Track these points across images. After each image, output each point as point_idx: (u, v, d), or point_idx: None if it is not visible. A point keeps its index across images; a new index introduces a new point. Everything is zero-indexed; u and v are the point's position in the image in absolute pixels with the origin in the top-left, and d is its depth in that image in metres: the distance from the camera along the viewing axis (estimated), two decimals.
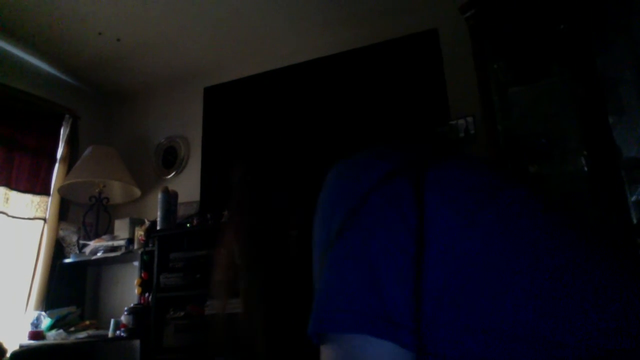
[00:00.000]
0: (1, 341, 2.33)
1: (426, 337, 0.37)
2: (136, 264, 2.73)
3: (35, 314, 2.60)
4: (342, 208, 0.43)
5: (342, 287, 0.39)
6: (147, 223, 2.72)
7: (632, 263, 0.40)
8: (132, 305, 2.56)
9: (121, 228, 2.90)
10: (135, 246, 2.72)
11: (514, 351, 0.35)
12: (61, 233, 2.88)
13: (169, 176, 3.15)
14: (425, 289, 0.37)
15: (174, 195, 2.67)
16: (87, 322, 2.66)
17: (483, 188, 0.43)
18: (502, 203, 0.41)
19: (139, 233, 2.71)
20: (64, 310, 2.67)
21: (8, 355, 2.30)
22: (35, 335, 2.50)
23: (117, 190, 3.09)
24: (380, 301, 0.37)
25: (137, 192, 3.02)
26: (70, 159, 2.99)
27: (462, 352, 0.36)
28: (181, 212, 2.76)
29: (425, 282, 0.37)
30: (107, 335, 2.51)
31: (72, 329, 2.56)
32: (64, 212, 2.94)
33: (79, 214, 3.01)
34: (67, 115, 3.03)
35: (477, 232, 0.39)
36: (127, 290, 2.94)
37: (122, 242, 2.75)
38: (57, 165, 2.95)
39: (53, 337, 2.50)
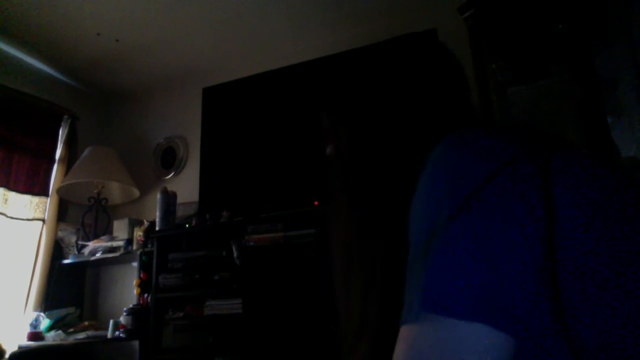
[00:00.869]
0: (0, 342, 2.33)
1: (576, 332, 0.36)
2: (135, 264, 2.73)
3: (34, 314, 2.59)
4: (458, 188, 0.40)
5: (462, 272, 0.37)
6: (146, 223, 2.72)
7: None
8: (131, 305, 2.56)
9: (120, 229, 2.90)
10: (134, 247, 2.72)
11: None
12: (60, 234, 2.87)
13: (168, 177, 3.15)
14: (559, 287, 0.36)
15: (173, 195, 2.67)
16: (86, 323, 2.66)
17: (605, 185, 0.41)
18: (623, 203, 0.40)
19: (138, 234, 2.71)
20: (62, 311, 2.67)
21: (7, 356, 2.30)
22: (34, 336, 2.50)
23: (116, 191, 3.09)
24: (501, 291, 0.36)
25: (136, 192, 3.02)
26: (69, 160, 2.99)
27: (609, 347, 0.35)
28: (180, 212, 2.75)
29: (557, 279, 0.36)
30: (106, 336, 2.51)
31: (71, 329, 2.56)
32: (63, 212, 2.94)
33: (78, 214, 3.00)
34: (65, 116, 3.02)
35: (600, 231, 0.38)
36: (126, 290, 2.93)
37: (121, 243, 2.75)
38: (55, 165, 2.94)
39: (52, 338, 2.50)
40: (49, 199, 2.86)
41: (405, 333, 0.38)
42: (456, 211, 0.39)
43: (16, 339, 2.51)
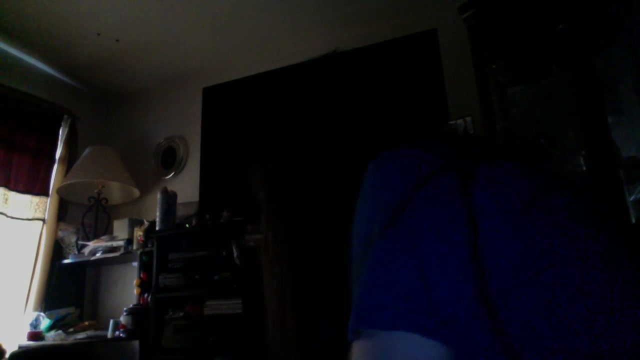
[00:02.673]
0: (0, 342, 2.33)
1: (514, 339, 0.36)
2: (135, 264, 2.73)
3: (34, 314, 2.59)
4: (387, 202, 0.41)
5: (389, 284, 0.38)
6: (146, 223, 2.72)
7: None
8: (131, 305, 2.56)
9: (120, 228, 2.89)
10: (134, 247, 2.71)
11: None
12: (60, 234, 2.87)
13: (168, 177, 3.15)
14: (489, 291, 0.37)
15: (173, 195, 2.67)
16: (86, 323, 2.66)
17: (530, 190, 0.42)
18: (548, 207, 0.40)
19: (138, 233, 2.71)
20: (63, 311, 2.67)
21: (7, 356, 2.30)
22: (34, 336, 2.50)
23: (116, 191, 3.09)
24: (429, 299, 0.36)
25: (136, 192, 3.02)
26: (69, 160, 2.99)
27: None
28: (180, 212, 2.75)
29: (486, 284, 0.37)
30: (106, 335, 2.51)
31: (71, 329, 2.56)
32: (63, 212, 2.94)
33: (78, 214, 3.00)
34: (66, 116, 3.02)
35: (525, 236, 0.38)
36: (126, 290, 2.93)
37: (121, 243, 2.75)
38: (56, 165, 2.94)
39: (52, 337, 2.50)
40: (49, 198, 2.86)
41: (352, 350, 0.39)
42: (385, 226, 0.40)
43: (16, 339, 2.51)
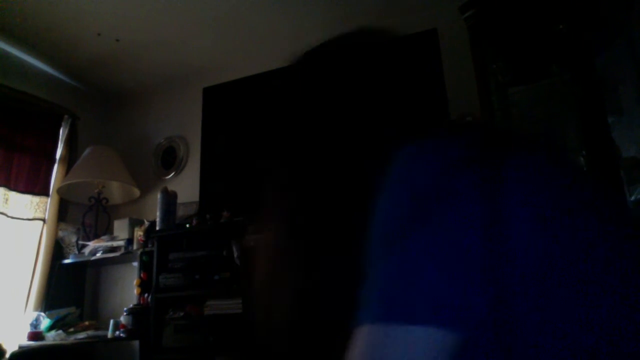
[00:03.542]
0: (0, 342, 2.33)
1: (518, 338, 0.36)
2: (135, 264, 2.73)
3: (35, 314, 2.59)
4: (412, 197, 0.41)
5: (413, 279, 0.38)
6: (146, 223, 2.72)
7: None
8: (131, 305, 2.56)
9: (120, 228, 2.90)
10: (135, 246, 2.72)
11: None
12: (60, 233, 2.87)
13: (168, 176, 3.15)
14: (510, 288, 0.36)
15: (173, 195, 2.67)
16: (87, 323, 2.66)
17: (560, 185, 0.41)
18: (574, 204, 0.40)
19: (138, 233, 2.71)
20: (63, 311, 2.67)
21: (7, 356, 2.30)
22: (35, 336, 2.50)
23: (116, 191, 3.09)
24: (451, 296, 0.36)
25: (137, 192, 3.02)
26: (70, 160, 2.99)
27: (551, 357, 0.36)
28: (180, 212, 2.76)
29: (509, 280, 0.37)
30: (106, 335, 2.51)
31: (72, 329, 2.56)
32: (63, 212, 2.94)
33: (78, 214, 3.01)
34: (66, 116, 3.02)
35: (554, 235, 0.38)
36: (127, 290, 2.94)
37: (121, 243, 2.75)
38: (56, 165, 2.94)
39: (52, 337, 2.50)
40: (49, 198, 2.86)
41: (363, 334, 0.39)
42: (410, 222, 0.39)
43: (17, 339, 2.51)
